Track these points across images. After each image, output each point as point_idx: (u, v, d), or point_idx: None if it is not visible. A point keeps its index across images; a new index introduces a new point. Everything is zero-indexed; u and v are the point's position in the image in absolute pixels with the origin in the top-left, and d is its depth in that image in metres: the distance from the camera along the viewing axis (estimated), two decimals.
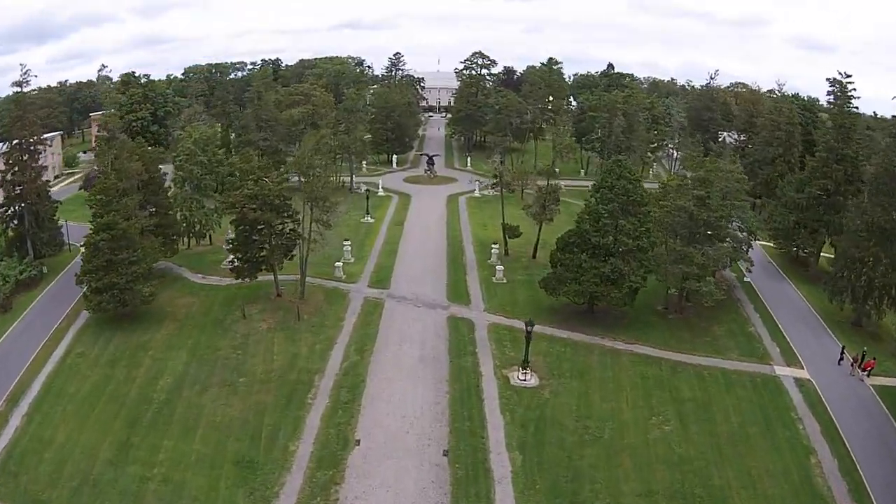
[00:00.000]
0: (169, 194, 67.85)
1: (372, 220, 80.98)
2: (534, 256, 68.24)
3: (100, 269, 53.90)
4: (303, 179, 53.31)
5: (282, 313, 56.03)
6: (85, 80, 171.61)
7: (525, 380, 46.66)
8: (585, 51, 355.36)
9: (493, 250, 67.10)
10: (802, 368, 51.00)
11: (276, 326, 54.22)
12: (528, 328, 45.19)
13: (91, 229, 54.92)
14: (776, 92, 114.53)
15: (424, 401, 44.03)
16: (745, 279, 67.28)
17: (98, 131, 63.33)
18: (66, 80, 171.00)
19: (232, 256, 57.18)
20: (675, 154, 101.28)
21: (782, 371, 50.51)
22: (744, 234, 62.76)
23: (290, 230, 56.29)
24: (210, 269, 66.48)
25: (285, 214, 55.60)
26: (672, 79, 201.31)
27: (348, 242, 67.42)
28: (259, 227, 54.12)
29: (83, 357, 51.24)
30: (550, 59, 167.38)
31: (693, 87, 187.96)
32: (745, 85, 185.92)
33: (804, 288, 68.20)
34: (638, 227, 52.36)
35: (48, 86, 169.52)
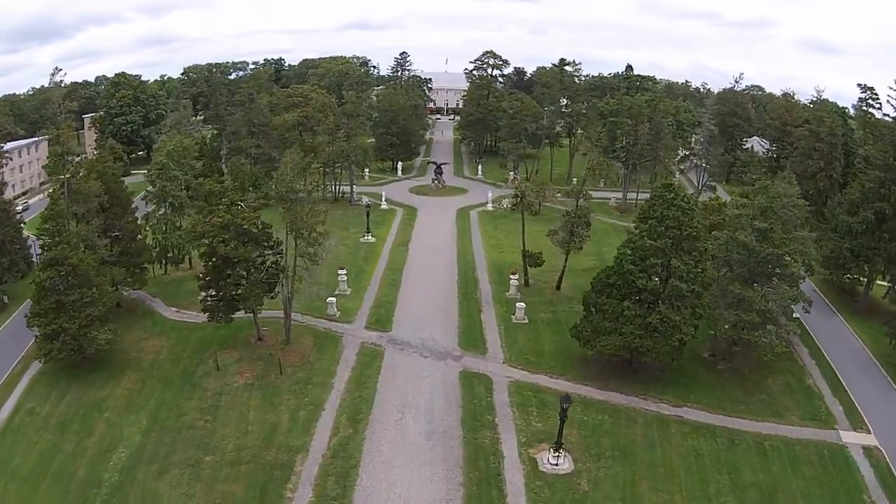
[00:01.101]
0: (140, 215, 57.46)
1: (373, 240, 70.26)
2: (558, 287, 57.57)
3: (49, 311, 44.04)
4: (284, 206, 42.62)
5: (262, 364, 45.64)
6: (80, 81, 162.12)
7: (557, 464, 36.16)
8: (590, 52, 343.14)
9: (511, 281, 56.32)
10: (869, 433, 41.79)
11: (253, 382, 43.88)
12: (564, 405, 34.61)
13: (38, 265, 45.04)
14: (814, 99, 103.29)
15: (433, 498, 33.56)
16: (795, 315, 56.84)
17: (50, 145, 52.64)
18: (60, 81, 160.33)
19: (204, 294, 46.72)
20: (704, 164, 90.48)
21: (848, 438, 41.29)
22: (800, 269, 52.18)
23: (272, 264, 45.75)
24: (186, 300, 55.95)
25: (265, 245, 45.12)
26: (686, 81, 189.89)
27: (343, 272, 56.70)
28: (234, 260, 43.65)
29: (33, 416, 41.97)
30: (562, 59, 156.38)
31: (709, 89, 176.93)
32: (761, 88, 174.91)
33: (856, 324, 57.81)
34: (692, 267, 41.69)
35: (41, 86, 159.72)
